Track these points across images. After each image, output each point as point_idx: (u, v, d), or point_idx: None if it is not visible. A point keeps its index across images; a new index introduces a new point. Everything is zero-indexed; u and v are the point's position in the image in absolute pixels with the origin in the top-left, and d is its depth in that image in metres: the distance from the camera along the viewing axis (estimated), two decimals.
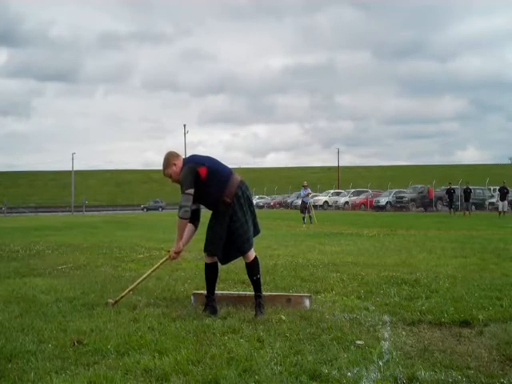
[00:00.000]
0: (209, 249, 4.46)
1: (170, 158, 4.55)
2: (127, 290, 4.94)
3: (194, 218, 4.55)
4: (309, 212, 20.73)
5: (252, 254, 4.47)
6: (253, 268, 4.48)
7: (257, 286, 4.50)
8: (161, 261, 4.88)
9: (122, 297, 4.85)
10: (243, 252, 4.45)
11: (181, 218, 4.35)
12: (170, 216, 32.23)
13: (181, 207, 4.33)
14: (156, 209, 56.77)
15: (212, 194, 4.40)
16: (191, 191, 4.32)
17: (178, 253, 4.58)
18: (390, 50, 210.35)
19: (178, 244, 4.52)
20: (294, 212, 35.78)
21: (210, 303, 4.51)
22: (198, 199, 4.44)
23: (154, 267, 4.98)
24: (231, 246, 4.43)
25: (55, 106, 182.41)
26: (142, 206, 58.27)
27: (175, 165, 4.50)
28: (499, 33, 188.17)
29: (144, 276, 5.01)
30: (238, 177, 4.50)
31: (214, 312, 4.43)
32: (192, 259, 8.20)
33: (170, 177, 4.55)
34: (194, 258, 8.25)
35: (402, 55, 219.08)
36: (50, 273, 7.10)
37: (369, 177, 71.15)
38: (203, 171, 4.37)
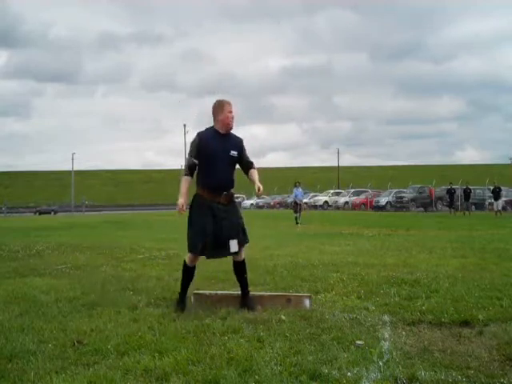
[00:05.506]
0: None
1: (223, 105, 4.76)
2: None
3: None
4: (299, 211, 20.80)
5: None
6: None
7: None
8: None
9: None
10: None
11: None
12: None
13: None
14: (48, 212, 56.30)
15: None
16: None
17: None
18: (388, 52, 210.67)
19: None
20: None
21: (182, 301, 4.68)
22: None
23: None
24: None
25: (55, 106, 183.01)
26: (35, 209, 57.57)
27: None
28: (496, 34, 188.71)
29: None
30: None
31: (182, 309, 4.55)
32: None
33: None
34: None
35: (399, 56, 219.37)
36: (50, 273, 7.10)
37: (369, 177, 71.09)
38: None
